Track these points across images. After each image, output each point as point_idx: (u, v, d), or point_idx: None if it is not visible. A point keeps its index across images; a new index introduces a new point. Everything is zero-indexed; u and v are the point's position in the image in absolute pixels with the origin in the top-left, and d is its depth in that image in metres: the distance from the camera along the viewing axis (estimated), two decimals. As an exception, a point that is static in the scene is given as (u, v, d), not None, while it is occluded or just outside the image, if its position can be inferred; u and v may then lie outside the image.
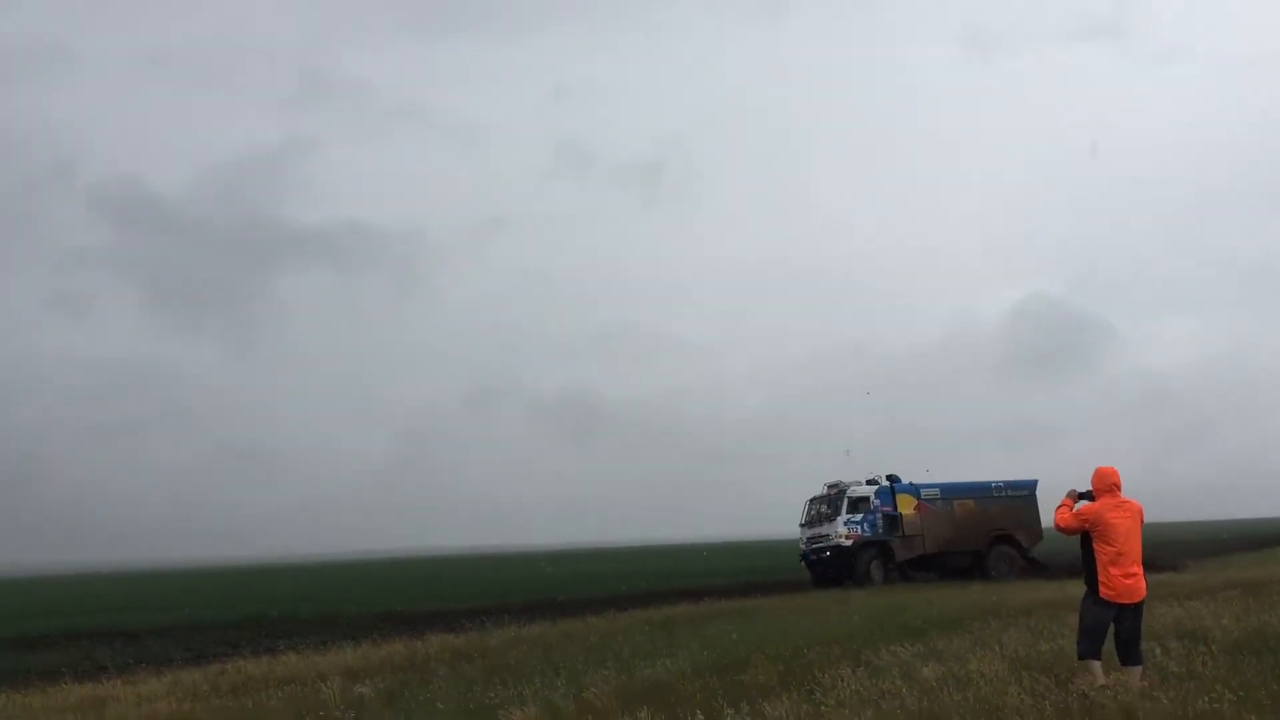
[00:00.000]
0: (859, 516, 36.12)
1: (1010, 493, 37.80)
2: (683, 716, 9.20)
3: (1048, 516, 40.60)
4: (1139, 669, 9.27)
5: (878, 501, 36.51)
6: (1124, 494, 9.45)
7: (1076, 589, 10.31)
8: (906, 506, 36.64)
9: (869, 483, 37.07)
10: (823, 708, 9.21)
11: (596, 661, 13.84)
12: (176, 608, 36.13)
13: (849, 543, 35.70)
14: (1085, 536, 9.43)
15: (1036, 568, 35.84)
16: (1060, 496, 9.83)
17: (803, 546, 37.69)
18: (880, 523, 36.17)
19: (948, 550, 36.60)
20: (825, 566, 36.04)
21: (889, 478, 37.49)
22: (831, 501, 36.72)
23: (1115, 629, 9.28)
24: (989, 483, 38.35)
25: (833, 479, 37.77)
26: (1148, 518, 9.59)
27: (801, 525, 38.14)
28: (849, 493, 36.56)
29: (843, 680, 10.40)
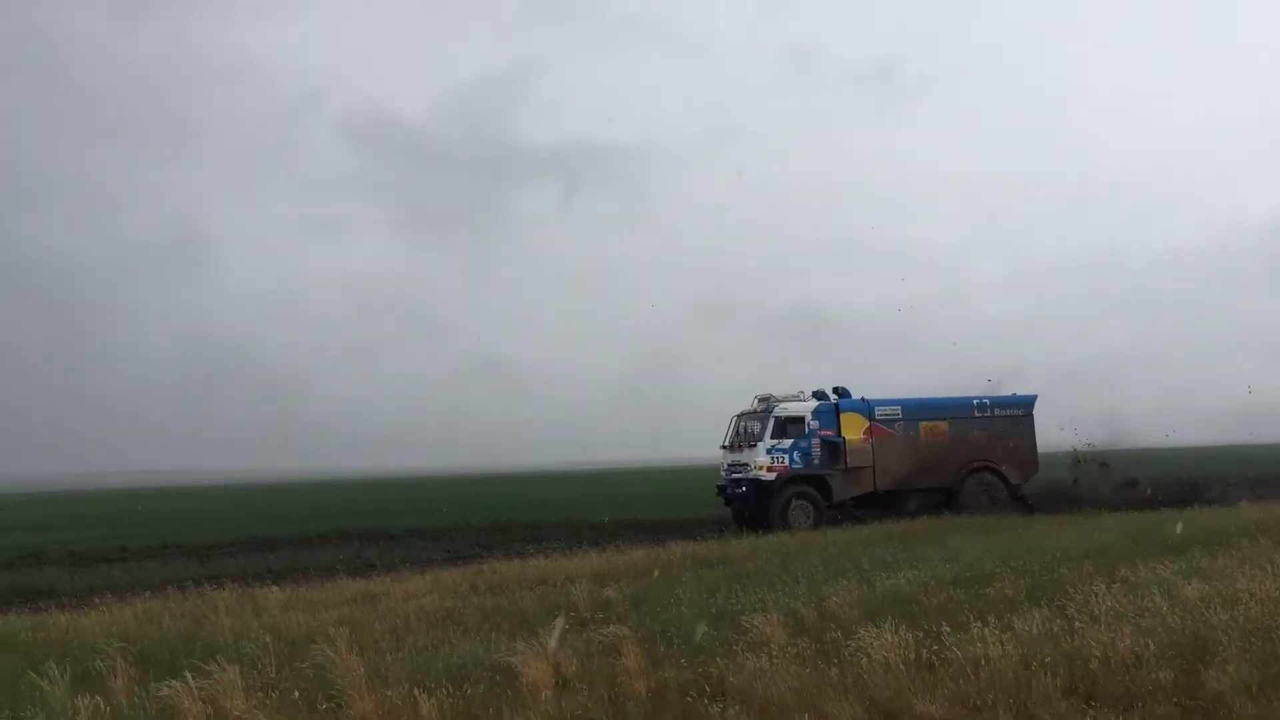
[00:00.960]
0: (788, 443, 28.17)
1: (999, 412, 30.09)
2: (928, 628, 9.12)
3: (1047, 443, 31.57)
4: None
5: (815, 423, 28.58)
6: None
7: None
8: (853, 430, 28.75)
9: (817, 396, 29.51)
10: (1076, 623, 8.93)
11: (836, 572, 13.86)
12: (433, 512, 38.44)
13: (770, 476, 27.81)
14: None
15: (1023, 507, 28.29)
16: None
17: (722, 475, 30.01)
18: (816, 451, 28.31)
19: (906, 487, 28.86)
20: (742, 504, 28.62)
21: (836, 391, 29.77)
22: (761, 420, 28.79)
23: None
24: (969, 399, 30.39)
25: (765, 392, 29.83)
26: None
27: (723, 447, 30.04)
28: (777, 411, 28.51)
29: (1096, 596, 10.03)
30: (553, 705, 7.89)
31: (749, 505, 28.26)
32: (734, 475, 28.76)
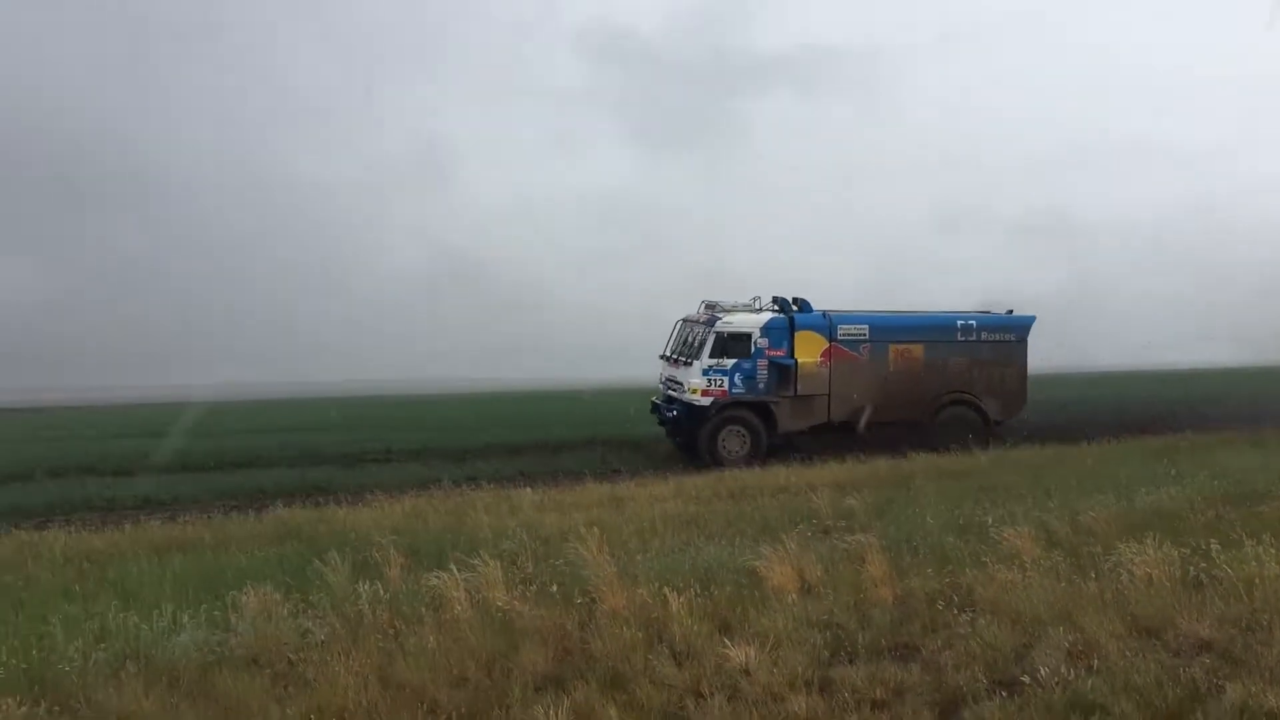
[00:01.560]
0: (729, 363, 23.97)
1: (987, 336, 25.42)
2: (1194, 545, 8.64)
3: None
4: None
5: (764, 341, 24.15)
6: None
7: None
8: (809, 351, 24.31)
9: (779, 305, 24.89)
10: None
11: (1091, 487, 13.30)
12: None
13: (705, 401, 23.86)
14: None
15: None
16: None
17: (660, 390, 25.91)
18: (762, 374, 24.10)
19: (869, 420, 24.58)
20: (674, 428, 24.95)
21: (795, 302, 25.24)
22: (701, 334, 24.48)
23: None
24: (952, 318, 25.61)
25: (713, 299, 25.41)
26: None
27: (662, 357, 25.79)
28: (719, 325, 24.09)
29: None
30: (799, 609, 7.99)
31: (680, 431, 24.69)
32: (670, 393, 25.04)
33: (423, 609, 8.16)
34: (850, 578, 8.90)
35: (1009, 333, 25.52)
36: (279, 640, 7.49)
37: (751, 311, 24.68)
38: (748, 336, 23.99)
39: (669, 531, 11.83)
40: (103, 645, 7.51)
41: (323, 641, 7.45)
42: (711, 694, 6.32)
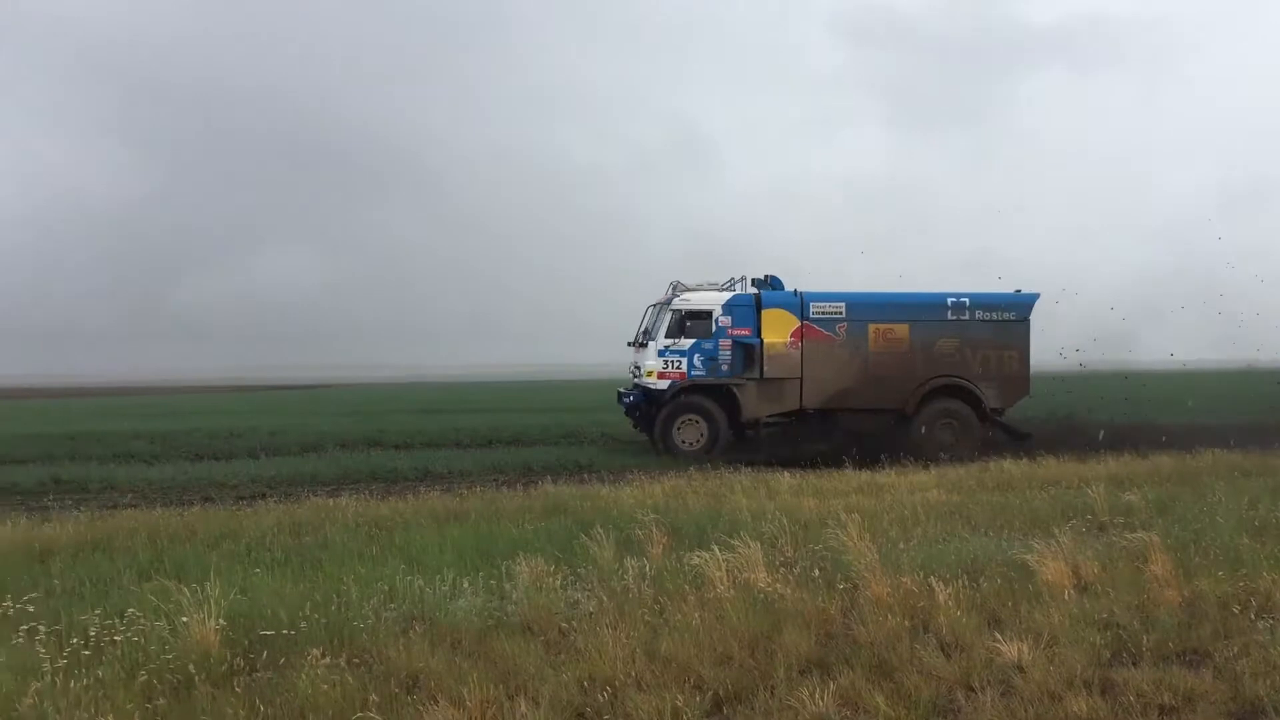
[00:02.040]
0: (687, 344, 22.66)
1: (982, 315, 22.97)
2: None
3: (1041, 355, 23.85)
4: None
5: (727, 320, 22.69)
6: None
7: None
8: (777, 331, 22.64)
9: (755, 285, 23.40)
10: None
11: None
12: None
13: (661, 385, 22.69)
14: None
15: (1015, 438, 22.56)
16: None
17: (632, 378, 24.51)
18: (724, 355, 22.60)
19: (844, 407, 22.67)
20: (634, 413, 23.68)
21: (767, 279, 23.71)
22: (658, 312, 23.24)
23: None
24: (941, 296, 23.25)
25: (681, 279, 23.62)
26: None
27: (630, 344, 24.31)
28: (676, 303, 22.86)
29: None
30: (1075, 606, 7.62)
31: (638, 419, 23.61)
32: (634, 378, 23.96)
33: (686, 587, 8.29)
34: (1131, 577, 8.42)
35: (1008, 311, 22.98)
36: (550, 610, 7.80)
37: (713, 289, 23.24)
38: (708, 314, 22.66)
39: (931, 521, 11.53)
40: (392, 605, 8.06)
41: (591, 613, 7.70)
42: (983, 688, 6.13)
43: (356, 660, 6.65)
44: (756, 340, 22.50)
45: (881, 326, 22.72)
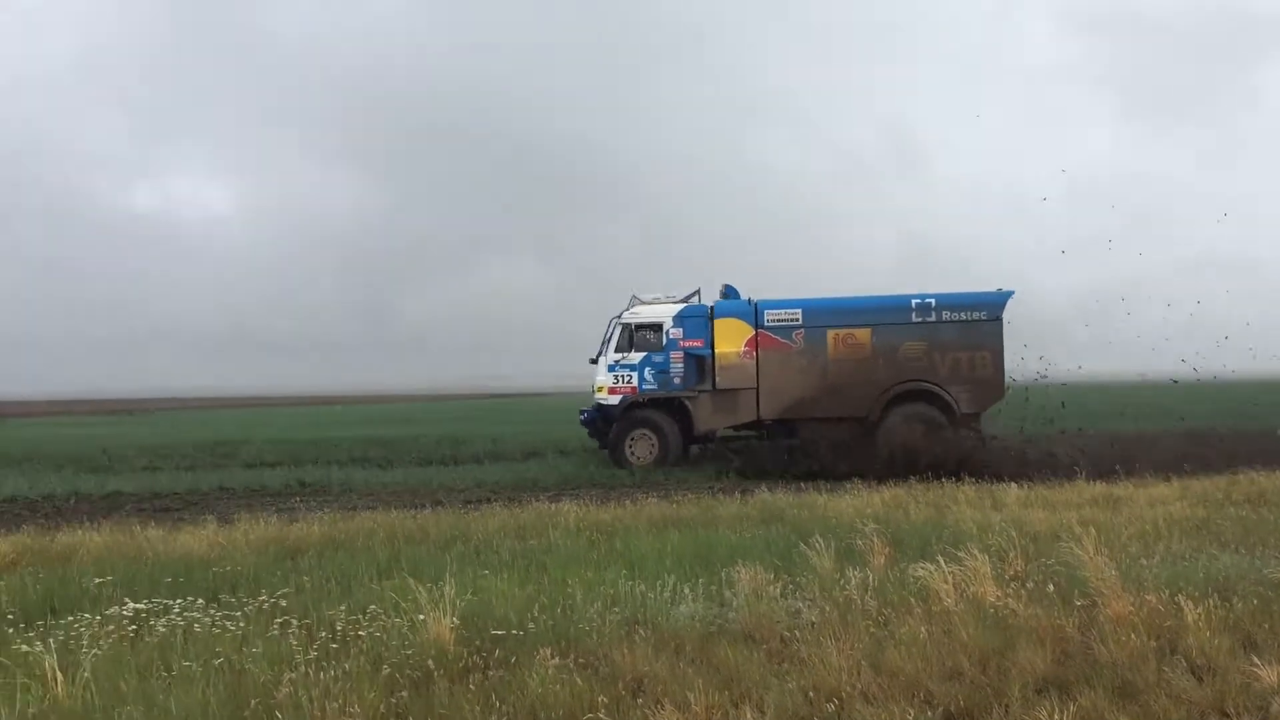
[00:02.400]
0: (638, 357, 22.56)
1: (950, 316, 21.86)
2: None
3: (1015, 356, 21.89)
4: None
5: (678, 331, 22.47)
6: None
7: None
8: (730, 340, 22.19)
9: (724, 295, 23.16)
10: None
11: None
12: (1175, 414, 35.89)
13: (613, 400, 22.67)
14: None
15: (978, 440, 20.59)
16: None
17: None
18: (676, 367, 22.41)
19: (804, 416, 21.85)
20: (593, 429, 23.63)
21: (725, 290, 23.23)
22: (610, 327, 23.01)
23: None
24: (905, 298, 22.23)
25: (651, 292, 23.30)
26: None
27: (592, 361, 23.63)
28: (626, 316, 22.76)
29: None
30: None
31: (596, 435, 23.45)
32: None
33: (911, 599, 8.09)
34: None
35: (978, 311, 21.82)
36: (771, 618, 7.75)
37: (666, 300, 23.02)
38: (659, 327, 22.55)
39: (1175, 536, 10.87)
40: (615, 609, 8.19)
41: (813, 623, 7.61)
42: (1238, 714, 5.72)
43: (583, 662, 6.79)
44: (708, 351, 22.35)
45: (841, 332, 22.17)
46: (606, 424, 23.21)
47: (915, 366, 21.89)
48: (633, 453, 22.55)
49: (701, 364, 22.40)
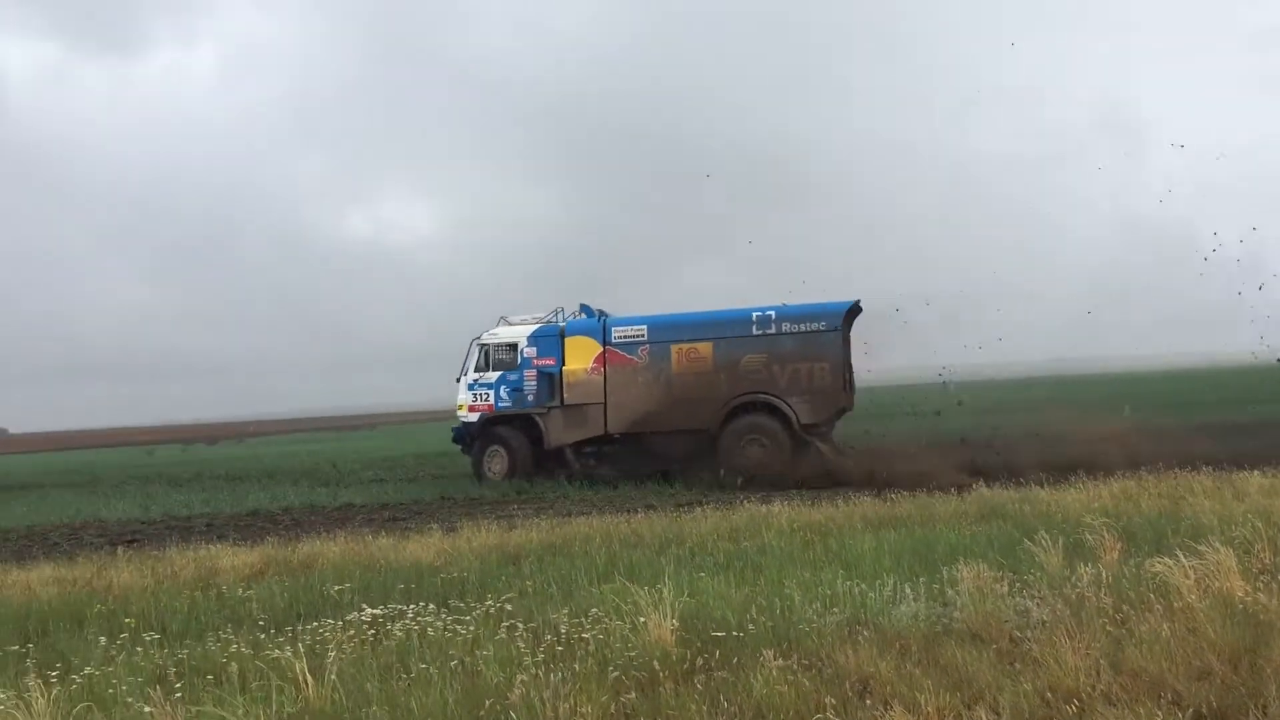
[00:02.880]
0: (494, 376, 23.98)
1: (790, 327, 22.31)
2: None
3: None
4: None
5: (531, 350, 23.85)
6: None
7: None
8: (579, 358, 23.41)
9: (585, 313, 24.56)
10: None
11: None
12: None
13: (471, 417, 24.22)
14: None
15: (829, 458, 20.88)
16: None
17: None
18: (529, 385, 23.72)
19: (650, 429, 22.73)
20: (464, 445, 24.89)
21: (583, 310, 24.58)
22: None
23: None
24: (746, 312, 22.86)
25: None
26: None
27: (456, 380, 24.75)
28: (484, 337, 24.36)
29: None
30: None
31: (466, 450, 24.76)
32: None
33: (1150, 595, 7.68)
34: None
35: (817, 322, 22.19)
36: (998, 617, 7.51)
37: (523, 321, 24.32)
38: (514, 347, 23.81)
39: None
40: (834, 610, 8.10)
41: (1044, 622, 7.33)
42: None
43: (805, 663, 6.74)
44: (559, 369, 23.45)
45: (684, 347, 22.73)
46: (465, 440, 24.81)
47: (755, 379, 22.18)
48: (490, 468, 23.83)
49: (552, 381, 23.53)
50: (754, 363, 22.30)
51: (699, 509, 15.98)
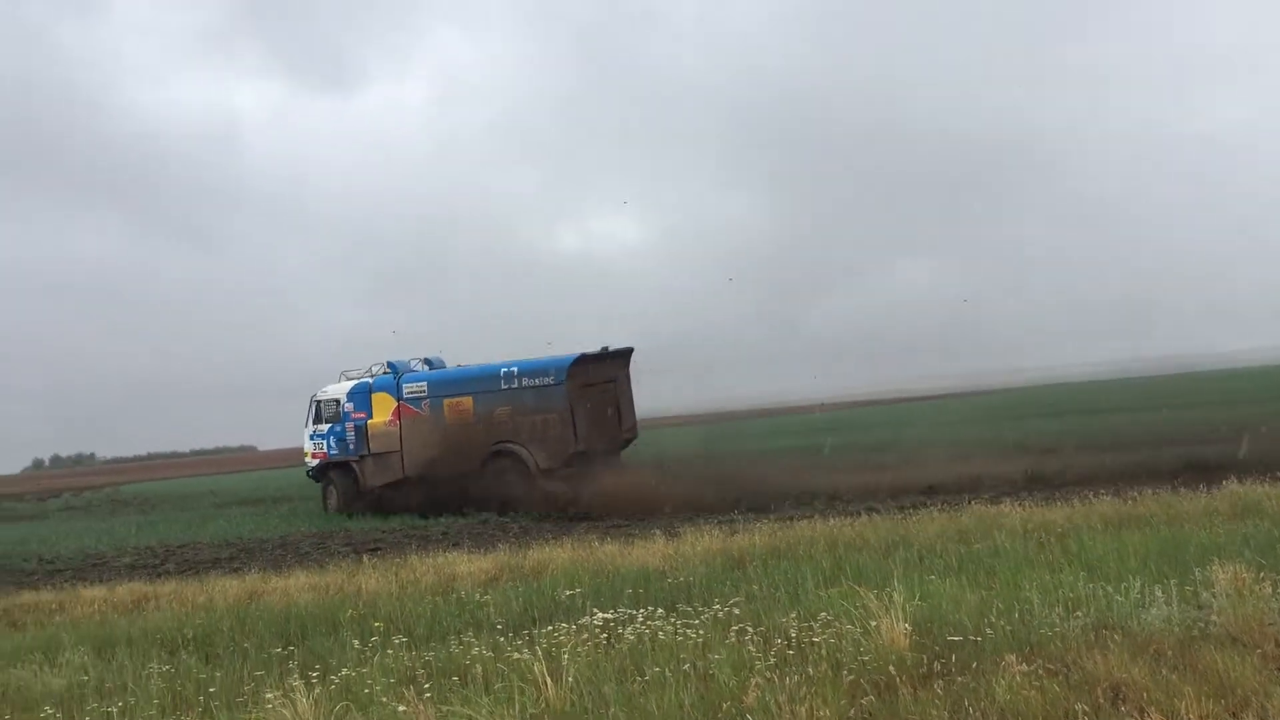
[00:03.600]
0: (325, 428, 27.68)
1: (529, 381, 25.04)
2: None
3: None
4: None
5: (350, 405, 27.29)
6: None
7: None
8: (382, 411, 26.80)
9: (386, 373, 27.50)
10: None
11: None
12: None
13: (313, 463, 28.37)
14: None
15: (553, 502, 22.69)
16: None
17: None
18: (350, 436, 27.21)
19: (436, 473, 25.35)
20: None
21: (389, 366, 27.47)
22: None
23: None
24: (496, 368, 25.81)
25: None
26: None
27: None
28: (318, 394, 28.27)
29: None
30: None
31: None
32: None
33: None
34: None
35: (546, 376, 24.87)
36: (1261, 620, 7.02)
37: (348, 377, 27.94)
38: (338, 402, 27.38)
39: None
40: (1077, 613, 7.75)
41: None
42: None
43: (1050, 668, 6.48)
44: (366, 422, 26.77)
45: (453, 400, 25.91)
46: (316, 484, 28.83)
47: (504, 429, 25.11)
48: (328, 504, 27.75)
49: (363, 432, 26.90)
50: (503, 414, 25.30)
51: (923, 511, 15.58)
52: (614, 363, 25.91)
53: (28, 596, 15.30)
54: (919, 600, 8.28)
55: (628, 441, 26.27)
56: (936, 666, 6.66)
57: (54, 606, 13.88)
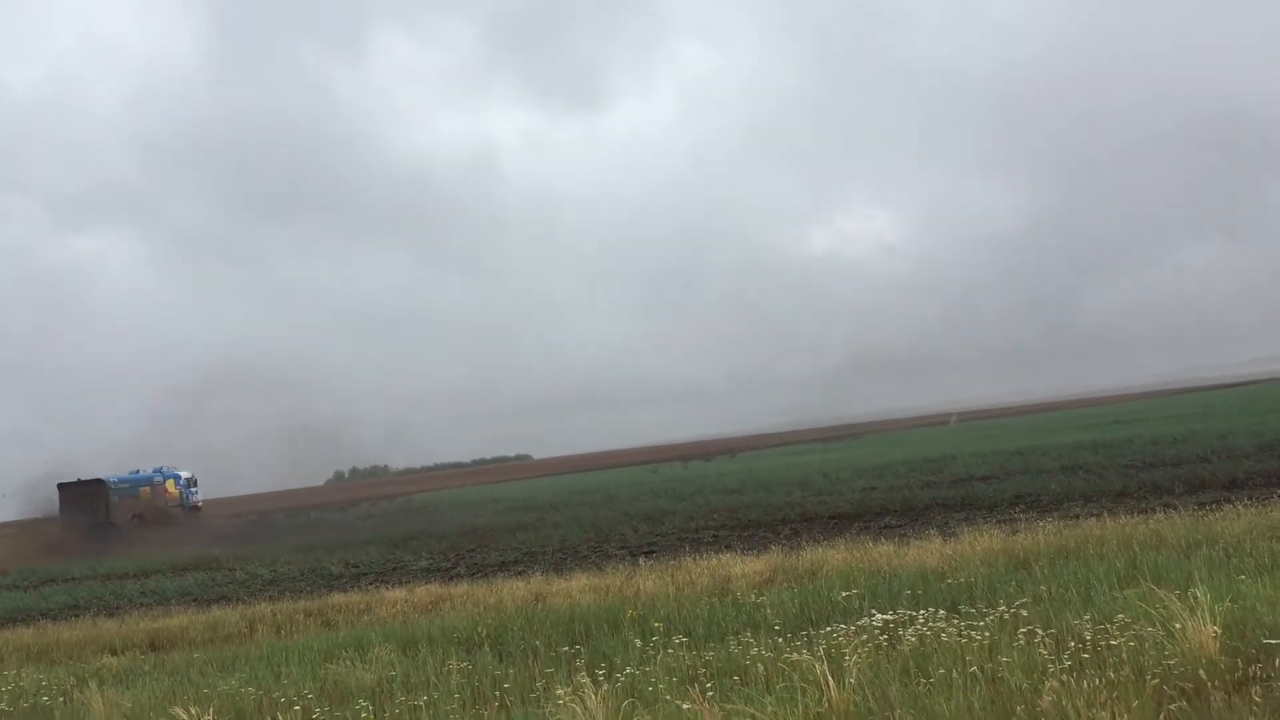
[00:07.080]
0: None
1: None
2: None
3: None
4: None
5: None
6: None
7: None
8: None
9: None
10: None
11: None
12: None
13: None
14: None
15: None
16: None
17: None
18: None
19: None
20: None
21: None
22: None
23: None
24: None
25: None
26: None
27: None
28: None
29: None
30: None
31: None
32: None
33: None
34: None
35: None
36: None
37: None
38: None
39: None
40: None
41: None
42: None
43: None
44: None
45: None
46: None
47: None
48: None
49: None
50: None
51: (1228, 507, 14.44)
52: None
53: (338, 598, 16.57)
54: (1229, 602, 7.69)
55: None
56: (1253, 671, 6.15)
57: (361, 607, 14.97)
